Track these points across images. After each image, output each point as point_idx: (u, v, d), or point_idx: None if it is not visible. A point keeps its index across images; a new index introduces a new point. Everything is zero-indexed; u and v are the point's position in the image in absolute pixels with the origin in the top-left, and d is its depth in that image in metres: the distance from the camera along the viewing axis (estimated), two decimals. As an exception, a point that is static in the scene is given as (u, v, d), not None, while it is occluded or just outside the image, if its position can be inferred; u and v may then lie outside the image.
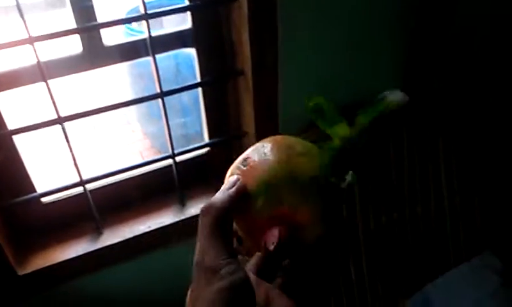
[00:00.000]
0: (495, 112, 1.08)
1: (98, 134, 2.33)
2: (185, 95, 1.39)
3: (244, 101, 0.84)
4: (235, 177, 0.35)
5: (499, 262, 0.93)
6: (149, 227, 0.86)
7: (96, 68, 0.76)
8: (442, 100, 0.98)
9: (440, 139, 0.91)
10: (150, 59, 0.75)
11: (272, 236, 0.33)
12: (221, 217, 0.32)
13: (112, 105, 0.76)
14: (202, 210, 0.32)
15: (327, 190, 0.35)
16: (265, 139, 0.38)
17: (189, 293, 0.31)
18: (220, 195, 0.34)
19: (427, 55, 0.87)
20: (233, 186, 0.34)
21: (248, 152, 0.37)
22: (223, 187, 0.35)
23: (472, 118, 1.05)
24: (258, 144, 0.37)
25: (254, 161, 0.35)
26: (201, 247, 0.31)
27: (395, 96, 0.41)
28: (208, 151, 0.93)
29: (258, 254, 0.38)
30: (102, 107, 0.75)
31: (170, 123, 0.82)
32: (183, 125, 1.70)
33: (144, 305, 0.93)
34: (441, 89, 0.97)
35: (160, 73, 0.76)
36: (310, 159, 0.36)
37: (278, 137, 0.38)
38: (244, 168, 0.35)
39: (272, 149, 0.36)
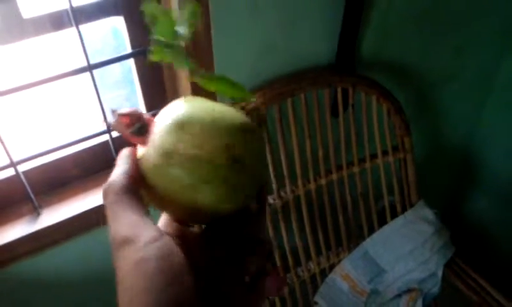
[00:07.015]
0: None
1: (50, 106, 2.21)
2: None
3: (179, 72, 0.82)
4: (126, 151, 0.33)
5: (431, 213, 0.99)
6: (90, 205, 0.84)
7: (16, 41, 0.71)
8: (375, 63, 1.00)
9: (374, 99, 0.94)
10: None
11: None
12: (124, 192, 0.30)
13: (36, 82, 0.72)
14: (103, 192, 0.30)
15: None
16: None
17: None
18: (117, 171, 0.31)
19: (360, 22, 0.88)
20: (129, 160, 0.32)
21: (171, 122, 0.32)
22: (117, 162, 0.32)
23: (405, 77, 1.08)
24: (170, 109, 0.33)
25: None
26: (114, 227, 0.28)
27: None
28: (147, 124, 0.90)
29: None
30: (26, 84, 0.71)
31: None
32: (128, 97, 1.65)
33: (87, 285, 0.92)
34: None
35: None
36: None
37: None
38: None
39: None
